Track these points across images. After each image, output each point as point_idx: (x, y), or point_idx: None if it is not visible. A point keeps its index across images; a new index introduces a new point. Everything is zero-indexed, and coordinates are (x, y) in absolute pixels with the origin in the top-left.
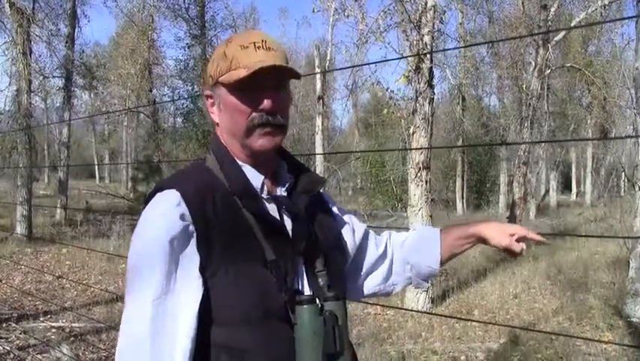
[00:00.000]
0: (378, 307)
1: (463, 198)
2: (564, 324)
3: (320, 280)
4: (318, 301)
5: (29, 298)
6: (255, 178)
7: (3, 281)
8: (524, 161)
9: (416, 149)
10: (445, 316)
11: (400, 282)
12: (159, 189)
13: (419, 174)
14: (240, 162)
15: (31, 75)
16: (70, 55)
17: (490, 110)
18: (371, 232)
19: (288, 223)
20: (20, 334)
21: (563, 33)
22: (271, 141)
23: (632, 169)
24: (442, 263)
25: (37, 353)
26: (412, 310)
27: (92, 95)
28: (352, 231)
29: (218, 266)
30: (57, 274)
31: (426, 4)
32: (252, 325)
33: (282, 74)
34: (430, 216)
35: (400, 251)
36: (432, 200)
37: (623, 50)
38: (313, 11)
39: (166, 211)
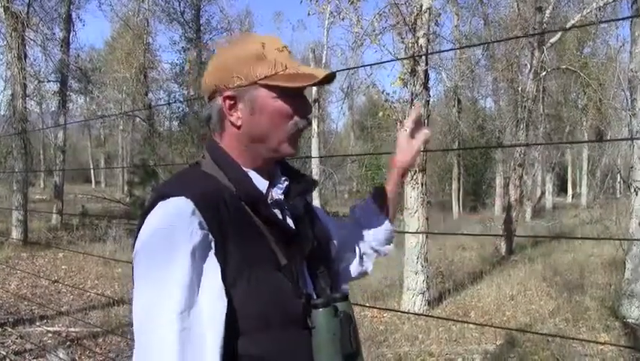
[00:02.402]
0: (374, 309)
1: (459, 200)
2: (560, 326)
3: (322, 281)
4: (331, 303)
5: (25, 303)
6: (260, 184)
7: None
8: (520, 163)
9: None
10: (442, 318)
11: (369, 259)
12: (163, 196)
13: (415, 177)
14: (244, 168)
15: (26, 79)
16: (66, 59)
17: (486, 112)
18: (340, 223)
19: (292, 226)
20: (16, 339)
21: (558, 35)
22: (297, 147)
23: (628, 171)
24: (392, 219)
25: (34, 358)
26: (408, 313)
27: (87, 99)
28: (333, 228)
29: (237, 274)
30: (53, 279)
31: (421, 6)
32: (272, 332)
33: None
34: (426, 218)
35: (359, 233)
36: (428, 202)
37: (618, 52)
38: (308, 14)
39: (182, 221)
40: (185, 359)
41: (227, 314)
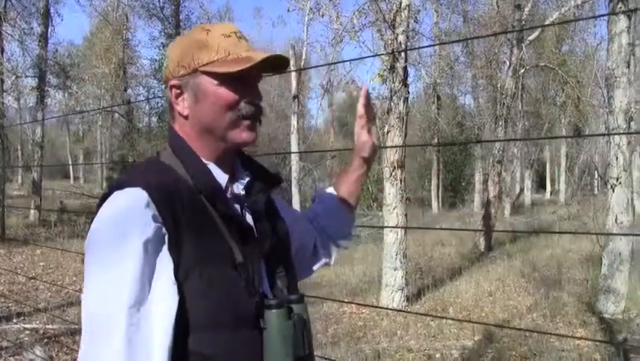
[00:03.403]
0: (353, 305)
1: (438, 196)
2: (538, 321)
3: (279, 281)
4: (285, 304)
5: (2, 300)
6: (220, 177)
7: None
8: (499, 160)
9: (390, 147)
10: (420, 314)
11: (329, 250)
12: (118, 186)
13: (394, 173)
14: (204, 160)
15: (3, 74)
16: (44, 54)
17: (465, 109)
18: (302, 216)
19: (251, 223)
20: None
21: (537, 32)
22: (253, 136)
23: (605, 168)
24: (354, 208)
25: (10, 356)
26: (387, 309)
27: (65, 95)
28: (293, 221)
29: (190, 270)
30: (31, 276)
31: (400, 3)
32: (222, 331)
33: (266, 69)
34: (405, 214)
35: (317, 222)
36: (407, 199)
37: (596, 50)
38: (288, 10)
39: (136, 212)
40: (132, 356)
41: (178, 311)
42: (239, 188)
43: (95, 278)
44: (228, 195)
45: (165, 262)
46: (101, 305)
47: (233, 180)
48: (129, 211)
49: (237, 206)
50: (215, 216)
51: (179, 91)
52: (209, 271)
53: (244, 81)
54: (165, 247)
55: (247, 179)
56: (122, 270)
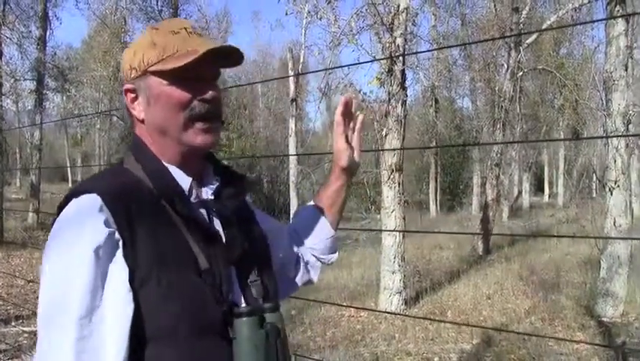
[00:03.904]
0: (352, 309)
1: (436, 200)
2: (536, 324)
3: (254, 290)
4: (257, 313)
5: (0, 303)
6: (183, 180)
7: None
8: (497, 163)
9: (388, 150)
10: (419, 317)
11: (313, 267)
12: (75, 193)
13: (392, 177)
14: (165, 163)
15: (2, 78)
16: (42, 57)
17: (463, 112)
18: (284, 229)
19: (219, 229)
20: None
21: (534, 36)
22: (212, 138)
23: (603, 171)
24: (336, 224)
25: (9, 359)
26: (385, 312)
27: (64, 98)
28: (275, 234)
29: (147, 277)
30: (29, 278)
31: (398, 6)
32: (184, 340)
33: (220, 63)
34: (403, 218)
35: (300, 240)
36: (405, 202)
37: (594, 53)
38: (286, 14)
39: (87, 218)
40: None
41: (134, 320)
42: (207, 193)
43: (46, 288)
44: (193, 200)
45: (119, 269)
46: (52, 316)
47: (201, 184)
48: (81, 218)
49: (204, 211)
50: (178, 220)
51: (133, 95)
52: (168, 277)
53: (196, 78)
54: (119, 253)
55: (217, 184)
56: (72, 279)
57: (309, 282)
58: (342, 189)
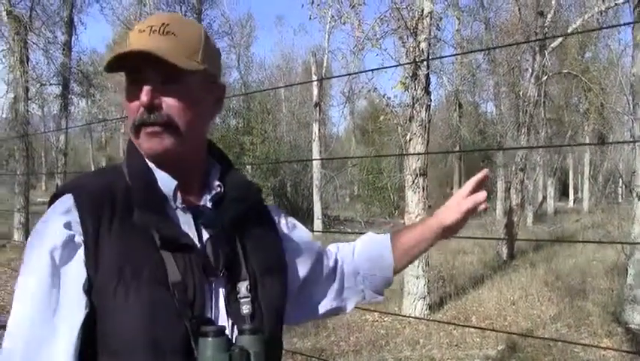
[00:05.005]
0: (375, 313)
1: None
2: (562, 331)
3: (243, 308)
4: (230, 333)
5: None
6: (167, 183)
7: (0, 288)
8: (521, 167)
9: (412, 154)
10: (443, 322)
11: (352, 296)
12: (59, 192)
13: (416, 181)
14: (151, 164)
15: (28, 82)
16: (67, 62)
17: (487, 116)
18: (322, 246)
19: (205, 238)
20: None
21: (559, 40)
22: (160, 144)
23: (630, 176)
24: (398, 270)
25: None
26: (409, 317)
27: (89, 103)
28: (301, 249)
29: (105, 285)
30: None
31: (422, 11)
32: (139, 357)
33: (169, 65)
34: None
35: (351, 262)
36: (429, 207)
37: (620, 56)
38: (310, 18)
39: (52, 219)
40: None
41: (85, 330)
42: (206, 199)
43: (16, 292)
44: (178, 205)
45: (73, 273)
46: (13, 320)
47: (202, 190)
48: (47, 219)
49: (189, 218)
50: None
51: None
52: (127, 287)
53: (142, 81)
54: (78, 257)
55: (214, 191)
56: (28, 283)
57: (337, 311)
58: (428, 241)
